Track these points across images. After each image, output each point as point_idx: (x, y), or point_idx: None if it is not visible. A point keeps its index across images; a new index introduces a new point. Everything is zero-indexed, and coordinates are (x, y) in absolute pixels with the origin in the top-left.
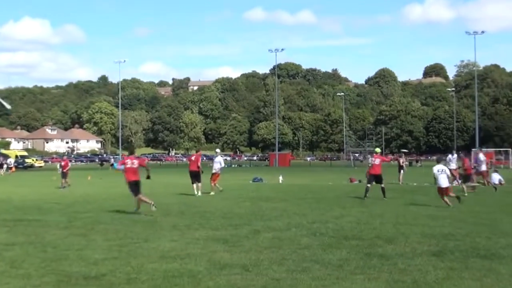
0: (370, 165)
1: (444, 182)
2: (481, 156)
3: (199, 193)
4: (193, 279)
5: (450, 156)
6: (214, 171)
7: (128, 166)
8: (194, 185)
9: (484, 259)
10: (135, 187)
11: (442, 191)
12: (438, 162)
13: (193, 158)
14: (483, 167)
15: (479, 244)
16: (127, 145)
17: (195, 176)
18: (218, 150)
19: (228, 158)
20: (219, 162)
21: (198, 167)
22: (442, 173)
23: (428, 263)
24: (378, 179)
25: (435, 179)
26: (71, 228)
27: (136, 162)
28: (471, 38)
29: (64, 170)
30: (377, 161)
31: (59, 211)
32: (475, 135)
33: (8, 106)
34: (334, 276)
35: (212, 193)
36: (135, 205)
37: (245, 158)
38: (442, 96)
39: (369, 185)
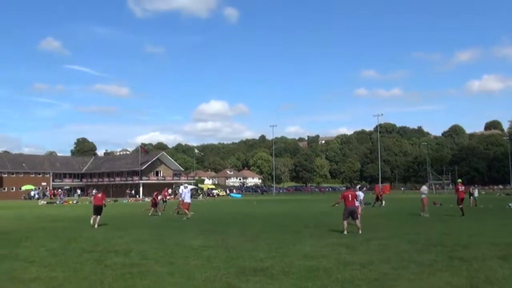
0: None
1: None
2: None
3: (95, 226)
4: (326, 272)
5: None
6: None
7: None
8: (95, 217)
9: None
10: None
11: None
12: (360, 189)
13: (99, 195)
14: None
15: None
16: (278, 180)
17: (97, 210)
18: (185, 185)
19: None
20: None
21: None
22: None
23: (496, 264)
24: (461, 201)
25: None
26: (244, 236)
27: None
28: None
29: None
30: (462, 188)
31: (235, 224)
32: None
33: (199, 153)
34: (426, 272)
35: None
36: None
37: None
38: (499, 143)
39: (461, 206)
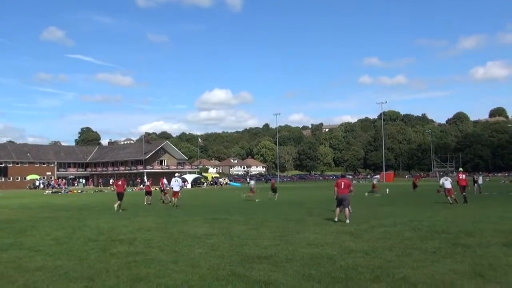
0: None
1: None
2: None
3: (120, 210)
4: (330, 260)
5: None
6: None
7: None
8: (119, 203)
9: None
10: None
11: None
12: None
13: (119, 182)
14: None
15: None
16: (282, 169)
17: (119, 196)
18: (177, 175)
19: (350, 177)
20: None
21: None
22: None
23: (499, 251)
24: (463, 188)
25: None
26: (248, 224)
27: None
28: None
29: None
30: (463, 176)
31: (240, 213)
32: None
33: (201, 143)
34: (430, 260)
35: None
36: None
37: (361, 177)
38: (504, 130)
39: (464, 193)
